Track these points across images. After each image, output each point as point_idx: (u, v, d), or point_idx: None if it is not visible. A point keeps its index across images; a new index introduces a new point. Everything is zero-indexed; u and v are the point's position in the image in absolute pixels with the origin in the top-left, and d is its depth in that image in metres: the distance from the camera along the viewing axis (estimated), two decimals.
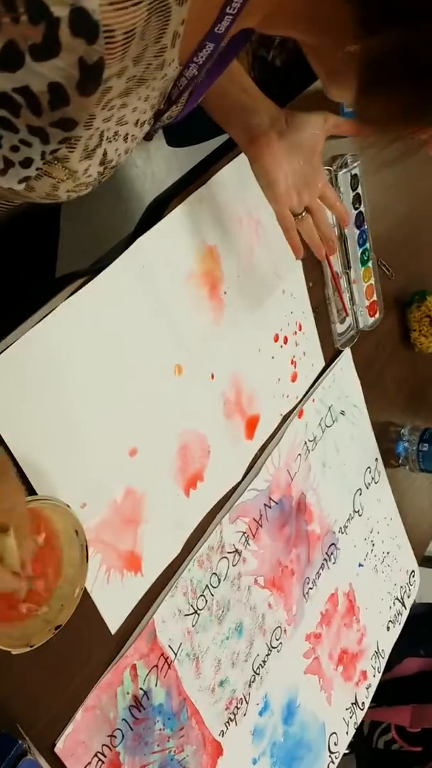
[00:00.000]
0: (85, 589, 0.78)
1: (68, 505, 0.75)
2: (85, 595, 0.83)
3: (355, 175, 1.16)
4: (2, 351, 0.74)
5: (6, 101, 0.49)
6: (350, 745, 1.35)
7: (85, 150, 0.58)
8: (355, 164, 1.15)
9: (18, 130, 0.51)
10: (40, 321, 0.77)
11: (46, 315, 0.78)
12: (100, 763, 0.88)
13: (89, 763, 0.87)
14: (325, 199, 0.92)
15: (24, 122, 0.51)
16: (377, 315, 1.29)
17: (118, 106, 0.57)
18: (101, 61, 0.48)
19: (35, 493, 0.78)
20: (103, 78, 0.49)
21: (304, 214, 0.90)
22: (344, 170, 1.14)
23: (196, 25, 0.56)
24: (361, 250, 1.22)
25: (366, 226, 1.21)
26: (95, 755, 0.88)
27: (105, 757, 0.89)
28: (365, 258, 1.23)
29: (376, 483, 1.37)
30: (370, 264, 1.24)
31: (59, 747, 0.84)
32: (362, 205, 1.19)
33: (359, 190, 1.18)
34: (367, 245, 1.23)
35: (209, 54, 0.60)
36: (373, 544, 1.38)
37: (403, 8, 0.50)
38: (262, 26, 0.62)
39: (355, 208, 1.19)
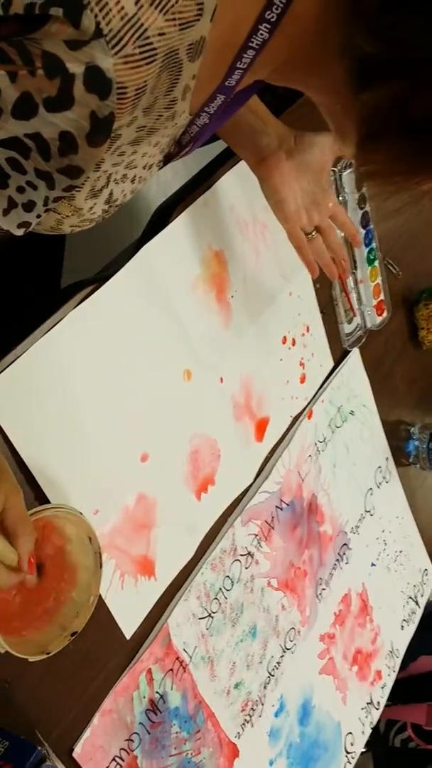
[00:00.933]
0: (100, 595, 0.78)
1: (81, 513, 0.75)
2: (100, 601, 0.83)
3: None
4: (13, 361, 0.75)
5: (17, 144, 0.50)
6: (367, 744, 1.35)
7: (91, 190, 0.59)
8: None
9: (26, 171, 0.52)
10: (49, 330, 0.78)
11: (55, 324, 0.79)
12: (118, 767, 0.89)
13: (107, 767, 0.88)
14: (336, 219, 0.93)
15: (33, 165, 0.52)
16: (385, 314, 1.29)
17: (129, 153, 0.58)
18: (112, 115, 0.49)
19: (48, 502, 0.78)
20: (113, 129, 0.50)
21: (314, 233, 0.91)
22: (349, 170, 1.14)
23: (207, 78, 0.57)
24: (368, 249, 1.22)
25: (372, 226, 1.21)
26: (113, 759, 0.88)
27: (123, 760, 0.89)
28: (372, 257, 1.23)
29: (387, 482, 1.37)
30: (376, 263, 1.24)
31: (77, 752, 0.85)
32: (367, 205, 1.19)
33: (364, 190, 1.18)
34: (374, 245, 1.23)
35: (220, 104, 0.61)
36: (386, 544, 1.38)
37: (395, 65, 0.50)
38: (271, 79, 0.64)
39: (361, 208, 1.19)
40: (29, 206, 0.56)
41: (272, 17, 0.53)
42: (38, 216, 0.58)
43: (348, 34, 0.51)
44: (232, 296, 1.00)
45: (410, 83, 0.51)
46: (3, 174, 0.53)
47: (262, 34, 0.55)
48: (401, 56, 0.50)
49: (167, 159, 0.68)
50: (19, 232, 0.59)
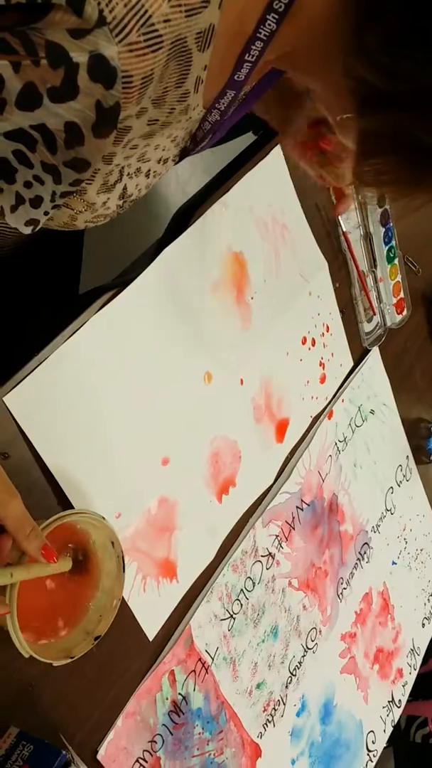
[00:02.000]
0: (123, 598, 0.79)
1: (103, 517, 0.75)
2: (123, 604, 0.83)
3: None
4: (35, 368, 0.75)
5: (23, 136, 0.49)
6: (388, 739, 1.35)
7: (104, 184, 0.59)
8: None
9: (33, 165, 0.52)
10: (71, 336, 0.78)
11: (77, 330, 0.79)
12: None
13: None
14: None
15: (39, 158, 0.51)
16: (405, 312, 1.28)
17: (142, 146, 0.57)
18: (117, 105, 0.48)
19: (71, 506, 0.79)
20: (119, 119, 0.50)
21: None
22: None
23: (218, 71, 0.57)
24: (387, 247, 1.21)
25: (391, 224, 1.21)
26: (137, 761, 0.89)
27: (146, 762, 0.90)
28: (391, 255, 1.22)
29: (407, 480, 1.37)
30: (396, 261, 1.24)
31: (101, 754, 0.85)
32: (387, 203, 1.18)
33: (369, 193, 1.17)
34: (393, 242, 1.22)
35: (230, 100, 0.61)
36: (406, 542, 1.38)
37: (396, 97, 0.51)
38: (278, 67, 0.64)
39: (380, 206, 1.18)
40: (36, 202, 0.56)
41: (280, 7, 0.53)
42: (46, 213, 0.58)
43: (350, 62, 0.52)
44: (252, 298, 0.99)
45: (411, 115, 0.51)
46: (10, 168, 0.52)
47: (270, 24, 0.54)
48: (402, 90, 0.50)
49: (183, 154, 0.68)
50: (27, 231, 0.59)
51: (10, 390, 0.74)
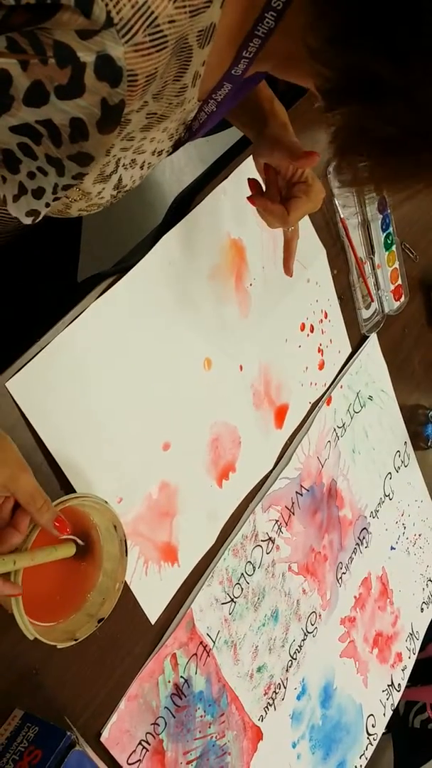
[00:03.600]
0: (125, 581, 0.79)
1: (106, 501, 0.76)
2: (125, 588, 0.84)
3: None
4: (36, 354, 0.76)
5: (29, 130, 0.50)
6: (386, 725, 1.36)
7: (100, 174, 0.60)
8: None
9: (37, 157, 0.53)
10: (71, 322, 0.79)
11: (77, 316, 0.79)
12: (144, 750, 0.90)
13: (134, 751, 0.89)
14: None
15: (44, 151, 0.52)
16: (402, 299, 1.29)
17: (139, 139, 0.58)
18: (122, 102, 0.49)
19: (73, 491, 0.79)
20: (123, 115, 0.51)
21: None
22: None
23: (216, 65, 0.58)
24: (385, 234, 1.22)
25: (389, 210, 1.21)
26: (139, 743, 0.90)
27: (149, 744, 0.91)
28: (389, 242, 1.23)
29: (405, 466, 1.38)
30: (394, 248, 1.24)
31: (105, 736, 0.86)
32: (385, 194, 1.19)
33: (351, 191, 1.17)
34: (391, 229, 1.23)
35: (227, 93, 0.62)
36: (405, 527, 1.39)
37: (347, 90, 0.52)
38: (274, 72, 0.65)
39: (377, 194, 1.18)
40: (39, 193, 0.57)
41: (278, 5, 0.54)
42: (47, 204, 0.58)
43: (310, 61, 0.53)
44: (251, 284, 1.00)
45: (366, 106, 0.52)
46: (14, 159, 0.53)
47: (268, 22, 0.56)
48: (353, 82, 0.51)
49: (177, 145, 0.69)
50: (28, 221, 0.60)
51: (12, 375, 0.74)
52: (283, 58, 0.61)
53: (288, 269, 0.90)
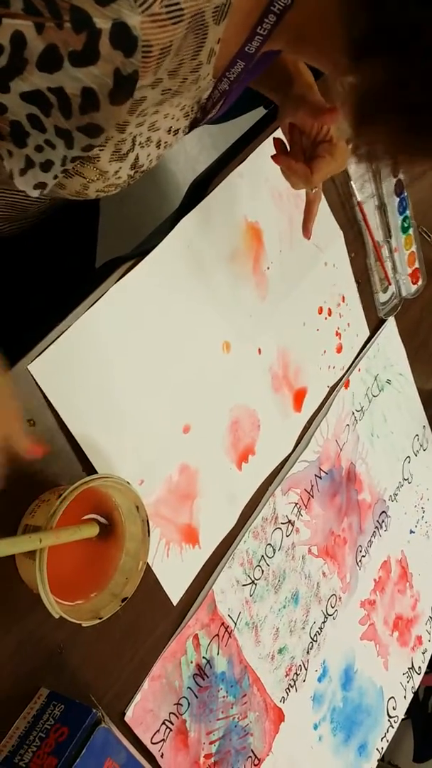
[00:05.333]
0: (147, 563, 0.80)
1: (128, 482, 0.77)
2: (147, 569, 0.85)
3: None
4: (57, 337, 0.77)
5: (39, 98, 0.50)
6: (406, 711, 1.37)
7: (116, 152, 0.60)
8: None
9: (46, 129, 0.53)
10: (91, 306, 0.79)
11: (97, 300, 0.80)
12: (168, 730, 0.91)
13: (158, 730, 0.90)
14: None
15: (53, 122, 0.52)
16: (420, 282, 1.28)
17: (151, 113, 0.58)
18: (135, 73, 0.50)
19: (95, 472, 0.80)
20: (136, 89, 0.51)
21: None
22: None
23: (229, 43, 0.58)
24: (402, 217, 1.22)
25: (405, 193, 1.21)
26: (163, 723, 0.91)
27: (172, 724, 0.92)
28: (406, 225, 1.23)
29: (424, 450, 1.38)
30: (411, 231, 1.24)
31: (128, 716, 0.87)
32: (401, 173, 1.19)
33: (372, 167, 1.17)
34: (408, 212, 1.22)
35: (240, 71, 0.62)
36: (424, 511, 1.39)
37: (387, 39, 0.51)
38: (287, 51, 0.65)
39: (394, 176, 1.18)
40: (46, 166, 0.57)
41: None
42: (55, 176, 0.58)
43: (347, 8, 0.52)
44: (268, 268, 1.00)
45: (394, 59, 0.51)
46: (22, 132, 0.53)
47: None
48: (392, 29, 0.50)
49: (193, 125, 0.69)
50: (35, 194, 0.60)
51: (34, 359, 0.75)
52: (298, 36, 0.61)
53: (307, 231, 0.90)
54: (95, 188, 0.66)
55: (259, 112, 1.16)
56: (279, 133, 0.87)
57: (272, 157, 0.83)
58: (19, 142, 0.55)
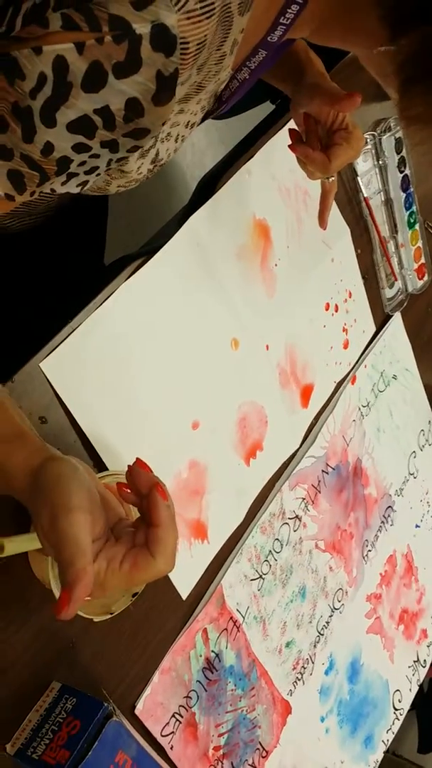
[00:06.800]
0: None
1: None
2: None
3: (399, 138, 1.16)
4: (68, 335, 0.77)
5: (85, 125, 0.50)
6: (411, 703, 1.38)
7: (141, 151, 0.60)
8: (399, 128, 1.15)
9: (90, 149, 0.53)
10: (102, 304, 0.80)
11: (107, 298, 0.80)
12: (177, 723, 0.92)
13: (167, 723, 0.91)
14: None
15: (98, 140, 0.52)
16: (426, 277, 1.29)
17: (176, 112, 0.58)
18: (176, 71, 0.50)
19: (106, 469, 0.81)
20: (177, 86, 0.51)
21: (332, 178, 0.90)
22: (388, 134, 1.14)
23: (252, 32, 0.58)
24: (408, 213, 1.22)
25: (412, 189, 1.21)
26: (173, 716, 0.92)
27: (182, 717, 0.93)
28: (412, 221, 1.23)
29: (430, 445, 1.38)
30: (417, 226, 1.24)
31: (139, 708, 0.88)
32: (407, 168, 1.19)
33: (404, 153, 1.17)
34: (414, 208, 1.23)
35: (261, 60, 0.62)
36: (429, 505, 1.40)
37: (425, 8, 0.51)
38: (313, 38, 0.64)
39: (401, 171, 1.18)
40: (91, 171, 0.57)
41: None
42: (98, 175, 0.59)
43: None
44: (276, 264, 1.01)
45: None
46: (68, 162, 0.53)
47: None
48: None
49: (206, 116, 0.69)
50: (77, 190, 0.61)
51: (46, 356, 0.76)
52: (324, 21, 0.61)
53: (323, 221, 0.91)
54: (117, 184, 0.66)
55: (266, 108, 1.16)
56: (292, 124, 0.87)
57: (289, 146, 0.82)
58: (63, 171, 0.54)
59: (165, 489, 0.59)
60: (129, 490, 0.60)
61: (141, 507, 0.60)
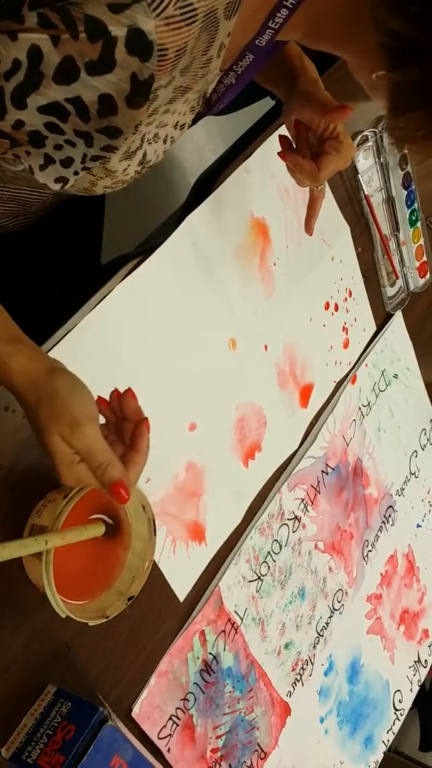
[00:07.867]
0: (154, 560, 0.80)
1: None
2: (154, 566, 0.85)
3: None
4: (64, 336, 0.76)
5: (56, 109, 0.51)
6: (413, 701, 1.37)
7: (126, 152, 0.60)
8: None
9: (65, 132, 0.53)
10: (98, 304, 0.79)
11: (104, 298, 0.80)
12: (174, 726, 0.92)
13: (165, 726, 0.91)
14: None
15: (71, 126, 0.53)
16: (428, 276, 1.28)
17: (162, 112, 0.58)
18: (152, 77, 0.50)
19: None
20: (152, 90, 0.51)
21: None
22: None
23: (239, 36, 0.57)
24: (410, 210, 1.21)
25: (414, 186, 1.20)
26: (170, 718, 0.91)
27: (179, 719, 0.92)
28: (414, 219, 1.22)
29: (431, 444, 1.37)
30: (419, 224, 1.23)
31: (136, 712, 0.88)
32: (409, 166, 1.18)
33: (406, 150, 1.16)
34: (416, 205, 1.21)
35: (249, 64, 0.61)
36: (430, 505, 1.39)
37: (423, 50, 0.51)
38: (304, 41, 0.64)
39: (402, 169, 1.17)
40: (67, 162, 0.57)
41: None
42: (75, 173, 0.59)
43: (380, 13, 0.52)
44: (275, 264, 1.00)
45: None
46: (40, 136, 0.54)
47: None
48: (426, 40, 0.50)
49: (197, 118, 0.68)
50: (56, 187, 0.60)
51: None
52: (315, 27, 0.60)
53: (309, 228, 0.90)
54: (103, 185, 0.65)
55: (266, 104, 1.15)
56: (284, 129, 0.87)
57: (279, 154, 0.82)
58: (37, 145, 0.55)
59: (149, 423, 0.69)
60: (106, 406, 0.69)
61: (115, 425, 0.70)
